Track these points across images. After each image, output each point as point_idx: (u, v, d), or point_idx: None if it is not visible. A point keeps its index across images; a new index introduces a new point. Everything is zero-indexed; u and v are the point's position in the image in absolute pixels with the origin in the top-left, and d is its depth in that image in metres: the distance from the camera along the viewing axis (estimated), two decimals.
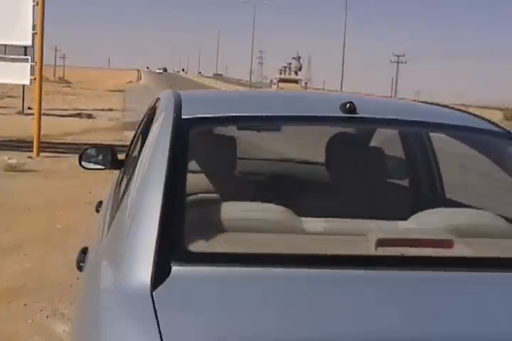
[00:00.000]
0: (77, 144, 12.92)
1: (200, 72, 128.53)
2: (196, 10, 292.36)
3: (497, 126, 2.07)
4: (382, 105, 2.44)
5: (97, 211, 3.03)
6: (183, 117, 1.74)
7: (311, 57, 67.13)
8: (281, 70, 68.33)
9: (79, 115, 19.87)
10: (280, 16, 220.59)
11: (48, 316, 3.90)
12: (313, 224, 1.70)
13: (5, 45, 13.37)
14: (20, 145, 12.40)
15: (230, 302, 1.24)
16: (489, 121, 2.08)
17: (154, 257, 1.29)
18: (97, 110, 22.71)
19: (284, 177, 2.64)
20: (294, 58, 66.46)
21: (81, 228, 6.23)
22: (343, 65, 57.76)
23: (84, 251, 2.10)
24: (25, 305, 4.05)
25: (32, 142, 11.77)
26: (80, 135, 14.51)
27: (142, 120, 2.61)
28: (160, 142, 1.66)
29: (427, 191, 2.63)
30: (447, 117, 2.13)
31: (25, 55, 14.82)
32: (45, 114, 20.23)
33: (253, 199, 1.76)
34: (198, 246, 1.44)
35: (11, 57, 11.54)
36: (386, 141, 2.63)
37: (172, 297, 1.25)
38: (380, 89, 74.84)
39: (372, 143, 2.52)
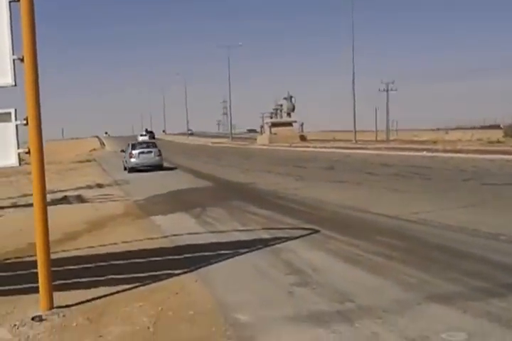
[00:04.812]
0: (102, 256, 7.47)
1: (164, 131, 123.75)
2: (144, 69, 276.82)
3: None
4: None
5: (122, 151, 28.92)
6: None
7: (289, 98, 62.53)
8: (272, 113, 63.35)
9: (65, 199, 14.57)
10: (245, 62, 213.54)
11: None
12: None
13: None
14: None
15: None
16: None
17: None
18: (82, 188, 17.44)
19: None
20: (285, 98, 61.07)
21: None
22: (354, 101, 49.75)
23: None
24: None
25: (24, 272, 6.50)
26: (92, 234, 9.15)
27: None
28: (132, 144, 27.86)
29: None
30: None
31: None
32: (15, 206, 14.72)
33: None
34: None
35: None
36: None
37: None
38: (371, 118, 69.54)
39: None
